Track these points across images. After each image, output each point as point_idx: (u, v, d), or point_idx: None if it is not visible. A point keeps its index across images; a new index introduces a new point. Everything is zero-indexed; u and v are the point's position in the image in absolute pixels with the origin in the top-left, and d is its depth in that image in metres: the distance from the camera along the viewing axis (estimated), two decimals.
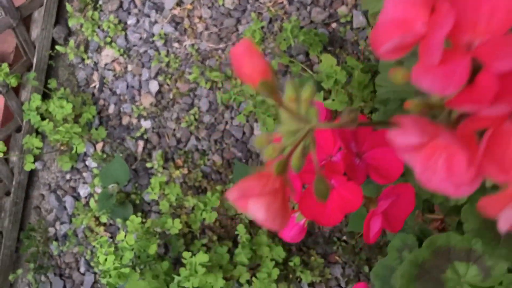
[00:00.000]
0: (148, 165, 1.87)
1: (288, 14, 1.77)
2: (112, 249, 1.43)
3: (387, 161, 0.66)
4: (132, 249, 1.41)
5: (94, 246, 1.85)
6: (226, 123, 1.81)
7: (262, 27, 1.77)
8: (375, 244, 1.54)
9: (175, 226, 1.56)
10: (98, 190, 1.92)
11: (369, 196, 0.67)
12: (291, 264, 1.63)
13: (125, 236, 1.47)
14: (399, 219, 0.67)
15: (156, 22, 1.96)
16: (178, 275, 1.33)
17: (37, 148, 1.92)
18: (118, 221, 1.78)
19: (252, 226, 1.66)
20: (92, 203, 1.93)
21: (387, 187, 0.66)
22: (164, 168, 1.87)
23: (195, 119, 1.85)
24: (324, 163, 0.65)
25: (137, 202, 1.87)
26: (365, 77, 1.38)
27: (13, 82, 1.77)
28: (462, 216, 0.68)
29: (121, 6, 2.04)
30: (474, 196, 0.41)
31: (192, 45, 1.88)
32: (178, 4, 1.92)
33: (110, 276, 1.32)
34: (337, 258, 1.64)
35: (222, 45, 1.84)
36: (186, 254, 1.39)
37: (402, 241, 0.96)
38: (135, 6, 2.01)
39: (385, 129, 0.66)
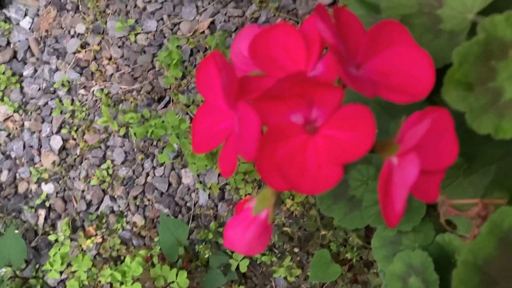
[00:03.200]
0: (52, 238, 1.48)
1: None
2: None
3: (405, 66, 0.38)
4: None
5: None
6: (147, 174, 1.48)
7: (184, 61, 1.52)
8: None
9: None
10: None
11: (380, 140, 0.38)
12: None
13: None
14: (433, 176, 0.38)
15: (57, 69, 1.66)
16: None
17: None
18: None
19: None
20: None
21: (411, 115, 0.37)
22: (72, 239, 1.49)
23: (109, 175, 1.51)
24: (296, 82, 0.36)
25: None
26: None
27: None
28: None
29: (15, 56, 1.73)
30: None
31: (101, 89, 1.59)
32: (82, 47, 1.64)
33: None
34: None
35: (137, 85, 1.56)
36: None
37: (405, 262, 0.66)
38: (32, 55, 1.71)
39: (390, 20, 0.39)
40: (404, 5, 0.47)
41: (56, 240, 1.48)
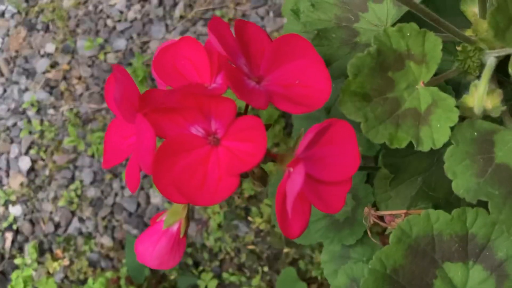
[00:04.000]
0: (18, 261, 1.45)
1: None
2: None
3: (304, 79, 0.37)
4: None
5: None
6: (116, 194, 1.47)
7: (153, 79, 1.52)
8: None
9: None
10: None
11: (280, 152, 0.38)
12: None
13: None
14: (337, 187, 0.37)
15: (27, 89, 1.65)
16: None
17: None
18: None
19: None
20: None
21: (311, 127, 0.36)
22: (39, 262, 1.46)
23: (77, 196, 1.49)
24: (195, 93, 0.35)
25: None
26: None
27: None
28: (448, 172, 0.40)
29: None
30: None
31: (71, 109, 1.58)
32: (52, 66, 1.63)
33: None
34: None
35: (105, 105, 1.55)
36: None
37: (349, 275, 0.65)
38: (2, 75, 1.70)
39: (293, 34, 0.39)
40: (322, 19, 0.47)
41: (24, 264, 1.46)
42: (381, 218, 0.57)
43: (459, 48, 0.46)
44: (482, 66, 0.44)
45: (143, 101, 0.37)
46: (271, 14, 1.46)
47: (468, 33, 0.49)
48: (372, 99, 0.41)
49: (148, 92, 0.39)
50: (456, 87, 0.57)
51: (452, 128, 0.41)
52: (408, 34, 0.41)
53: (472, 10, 0.52)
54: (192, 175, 0.36)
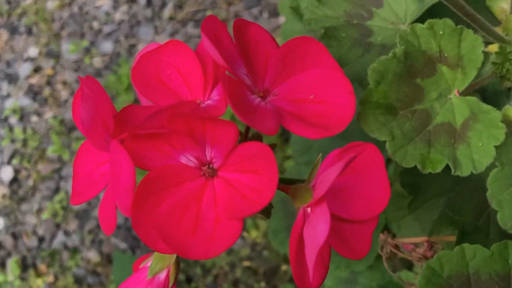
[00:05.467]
0: (0, 278, 1.37)
1: None
2: None
3: (321, 93, 0.30)
4: None
5: None
6: None
7: None
8: None
9: None
10: None
11: (294, 181, 0.30)
12: None
13: None
14: (362, 226, 0.30)
15: (9, 95, 1.56)
16: None
17: None
18: None
19: None
20: None
21: (329, 154, 0.29)
22: (22, 279, 1.38)
23: (62, 207, 1.41)
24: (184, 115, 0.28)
25: None
26: None
27: None
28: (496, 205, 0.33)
29: None
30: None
31: (55, 116, 1.49)
32: (35, 71, 1.55)
33: None
34: None
35: None
36: None
37: None
38: None
39: (305, 37, 0.31)
40: (329, 16, 0.40)
41: (5, 281, 1.37)
42: (396, 245, 0.50)
43: (495, 49, 0.39)
44: None
45: (119, 122, 0.30)
46: (265, 14, 1.39)
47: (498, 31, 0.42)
48: (398, 112, 0.34)
49: (125, 110, 0.31)
50: (483, 98, 0.50)
51: (496, 147, 0.34)
52: (441, 32, 0.34)
53: (501, 6, 0.45)
54: (181, 217, 0.28)
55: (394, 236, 0.47)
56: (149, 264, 0.35)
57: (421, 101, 0.34)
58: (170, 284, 0.35)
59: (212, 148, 0.28)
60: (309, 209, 0.28)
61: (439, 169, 0.33)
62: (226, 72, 0.29)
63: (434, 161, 0.33)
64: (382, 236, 0.47)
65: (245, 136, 0.33)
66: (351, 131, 0.34)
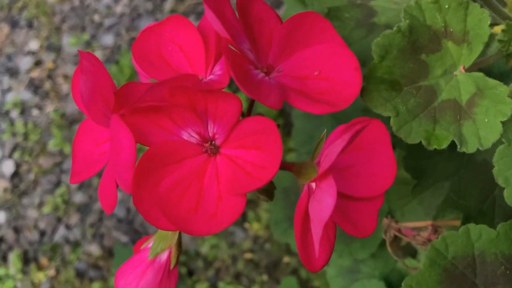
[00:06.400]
0: (1, 272, 1.36)
1: None
2: None
3: (326, 69, 0.29)
4: None
5: None
6: None
7: None
8: None
9: None
10: None
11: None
12: None
13: None
14: (368, 203, 0.30)
15: (10, 88, 1.56)
16: None
17: None
18: None
19: None
20: None
21: (334, 130, 0.29)
22: (24, 273, 1.37)
23: (64, 201, 1.40)
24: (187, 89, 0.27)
25: None
26: None
27: None
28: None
29: None
30: None
31: (56, 110, 1.49)
32: (36, 64, 1.54)
33: None
34: None
35: None
36: None
37: None
38: None
39: (310, 12, 0.31)
40: None
41: (7, 275, 1.37)
42: (399, 230, 0.50)
43: (502, 27, 0.38)
44: None
45: (120, 98, 0.29)
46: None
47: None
48: (402, 88, 0.33)
49: (126, 86, 0.31)
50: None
51: (503, 123, 0.33)
52: (447, 6, 0.33)
53: None
54: (183, 194, 0.28)
55: (397, 221, 0.46)
56: (150, 245, 0.35)
57: (426, 77, 0.34)
58: (172, 265, 0.34)
59: (214, 123, 0.28)
60: (313, 185, 0.27)
61: (444, 145, 0.32)
62: (229, 46, 0.28)
63: (440, 137, 0.32)
64: (385, 220, 0.46)
65: (248, 114, 0.32)
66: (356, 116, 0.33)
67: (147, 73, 0.31)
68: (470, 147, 0.33)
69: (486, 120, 0.33)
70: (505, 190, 0.33)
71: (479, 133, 0.33)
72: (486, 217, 0.48)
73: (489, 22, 0.33)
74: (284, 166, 0.31)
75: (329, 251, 0.28)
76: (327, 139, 0.29)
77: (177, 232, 0.34)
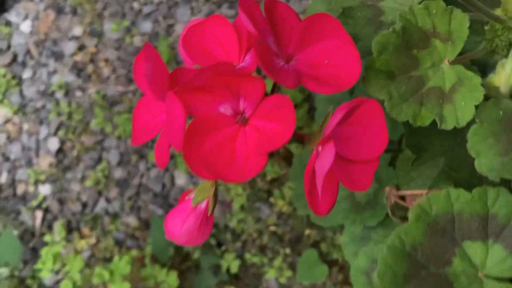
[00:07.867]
0: (47, 239, 1.49)
1: None
2: None
3: (334, 59, 0.38)
4: None
5: None
6: (142, 176, 1.49)
7: (178, 62, 1.53)
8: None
9: None
10: None
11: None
12: None
13: None
14: (366, 166, 0.38)
15: (55, 71, 1.68)
16: None
17: None
18: None
19: None
20: None
21: (340, 106, 0.37)
22: (67, 241, 1.50)
23: (104, 176, 1.52)
24: (224, 74, 0.36)
25: None
26: None
27: None
28: (470, 148, 0.41)
29: (15, 59, 1.76)
30: None
31: (98, 91, 1.60)
32: (79, 49, 1.66)
33: None
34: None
35: (132, 87, 1.57)
36: None
37: (369, 257, 0.66)
38: (32, 57, 1.73)
39: (322, 13, 0.39)
40: None
41: (53, 241, 1.50)
42: (402, 198, 0.58)
43: (487, 27, 0.46)
44: (510, 45, 0.44)
45: (172, 79, 0.39)
46: None
47: (498, 12, 0.49)
48: (396, 77, 0.41)
49: (176, 71, 0.40)
50: (483, 69, 0.57)
51: (476, 107, 0.41)
52: (434, 11, 0.41)
53: None
54: (220, 153, 0.37)
55: (398, 188, 0.55)
56: (192, 196, 0.44)
57: (416, 69, 0.42)
58: (209, 213, 0.43)
59: (244, 100, 0.37)
60: (320, 148, 0.36)
61: (427, 123, 0.41)
62: (258, 40, 0.37)
63: (424, 117, 0.41)
64: (387, 189, 0.54)
65: (271, 94, 0.41)
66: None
67: (193, 61, 0.40)
68: (448, 125, 0.41)
69: (463, 103, 0.41)
70: (476, 160, 0.41)
71: (457, 114, 0.41)
72: (474, 188, 0.56)
73: (468, 24, 0.41)
74: (299, 135, 0.40)
75: (332, 199, 0.37)
76: (333, 114, 0.37)
77: (214, 186, 0.43)
